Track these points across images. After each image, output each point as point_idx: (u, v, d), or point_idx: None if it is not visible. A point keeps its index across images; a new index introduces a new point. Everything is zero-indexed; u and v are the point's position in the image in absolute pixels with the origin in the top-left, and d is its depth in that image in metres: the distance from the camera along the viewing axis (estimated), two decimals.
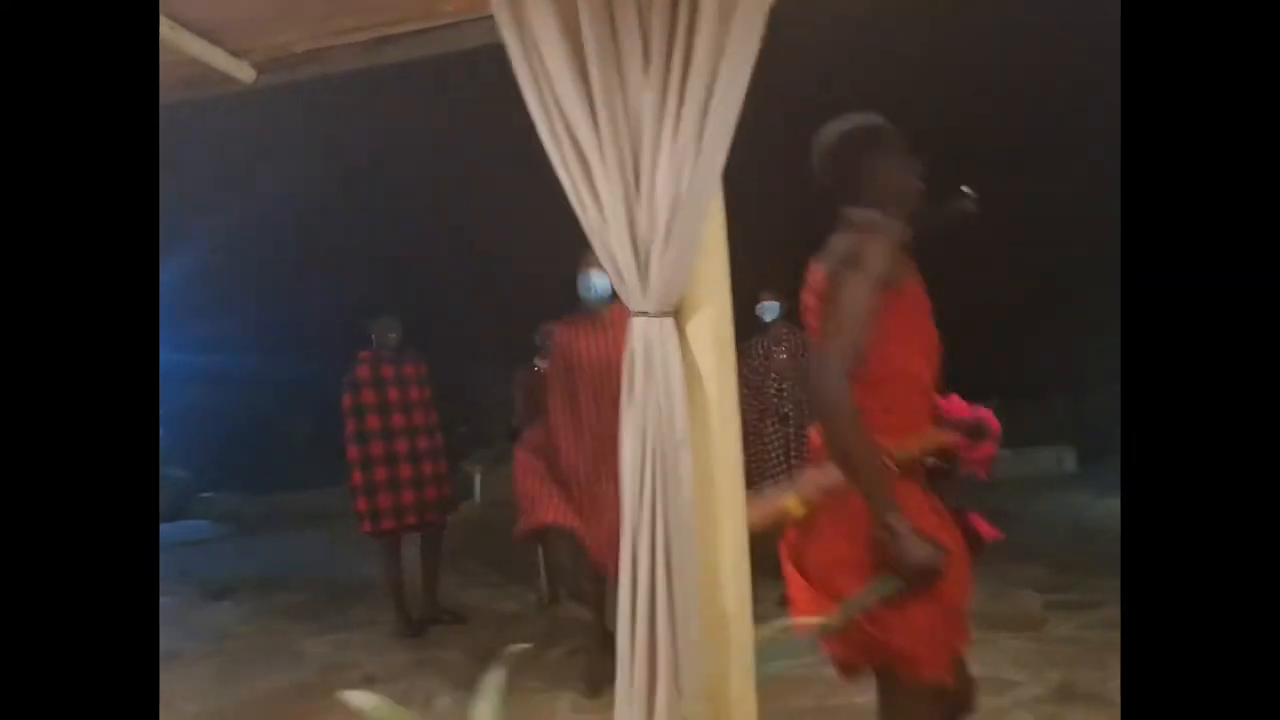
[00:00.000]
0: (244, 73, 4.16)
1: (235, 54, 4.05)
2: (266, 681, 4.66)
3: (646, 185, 1.81)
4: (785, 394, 5.42)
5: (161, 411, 11.06)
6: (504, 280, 10.20)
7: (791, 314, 5.50)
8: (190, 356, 10.40)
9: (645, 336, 1.81)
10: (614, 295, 3.75)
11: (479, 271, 10.27)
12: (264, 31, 3.90)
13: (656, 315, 1.81)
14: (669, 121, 1.79)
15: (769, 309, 5.53)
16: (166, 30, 3.73)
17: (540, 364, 5.73)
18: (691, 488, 1.77)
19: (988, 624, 4.58)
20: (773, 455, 5.42)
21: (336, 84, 4.14)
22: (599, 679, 3.86)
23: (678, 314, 1.85)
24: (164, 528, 9.42)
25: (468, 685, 4.25)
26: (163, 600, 6.61)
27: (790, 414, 5.39)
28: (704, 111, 1.77)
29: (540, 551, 5.68)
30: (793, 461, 5.33)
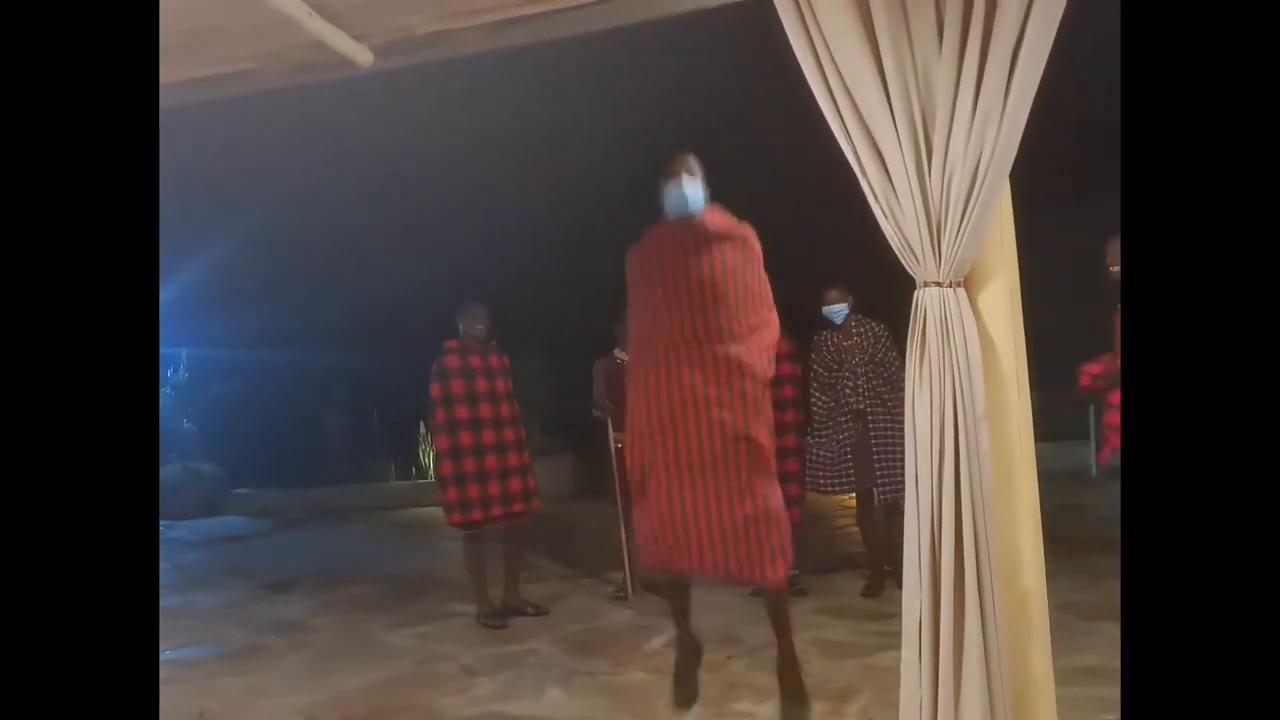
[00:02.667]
0: (362, 57, 4.09)
1: (357, 38, 3.99)
2: (362, 674, 4.58)
3: (939, 155, 1.77)
4: (861, 390, 5.36)
5: (192, 407, 10.92)
6: (535, 277, 10.14)
7: (858, 308, 5.48)
8: (221, 351, 10.27)
9: (939, 307, 1.77)
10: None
11: (514, 271, 10.20)
12: (390, 13, 3.83)
13: (950, 286, 1.77)
14: (966, 91, 1.75)
15: (837, 313, 5.43)
16: (302, 15, 3.64)
17: (621, 356, 5.70)
18: (992, 465, 1.73)
19: (1086, 614, 4.58)
20: (842, 451, 5.37)
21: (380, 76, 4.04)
22: (688, 694, 3.40)
23: (967, 284, 1.81)
24: (200, 524, 9.32)
25: (571, 678, 4.26)
26: (222, 594, 6.53)
27: (865, 410, 5.33)
28: (1008, 78, 1.73)
29: (624, 542, 5.63)
30: (875, 460, 5.29)
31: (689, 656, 3.37)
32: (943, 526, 1.72)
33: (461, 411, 5.11)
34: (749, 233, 3.21)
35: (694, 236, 3.08)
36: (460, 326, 5.29)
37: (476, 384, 5.18)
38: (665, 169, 3.18)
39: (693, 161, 3.18)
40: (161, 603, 6.29)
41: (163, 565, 7.46)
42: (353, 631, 5.37)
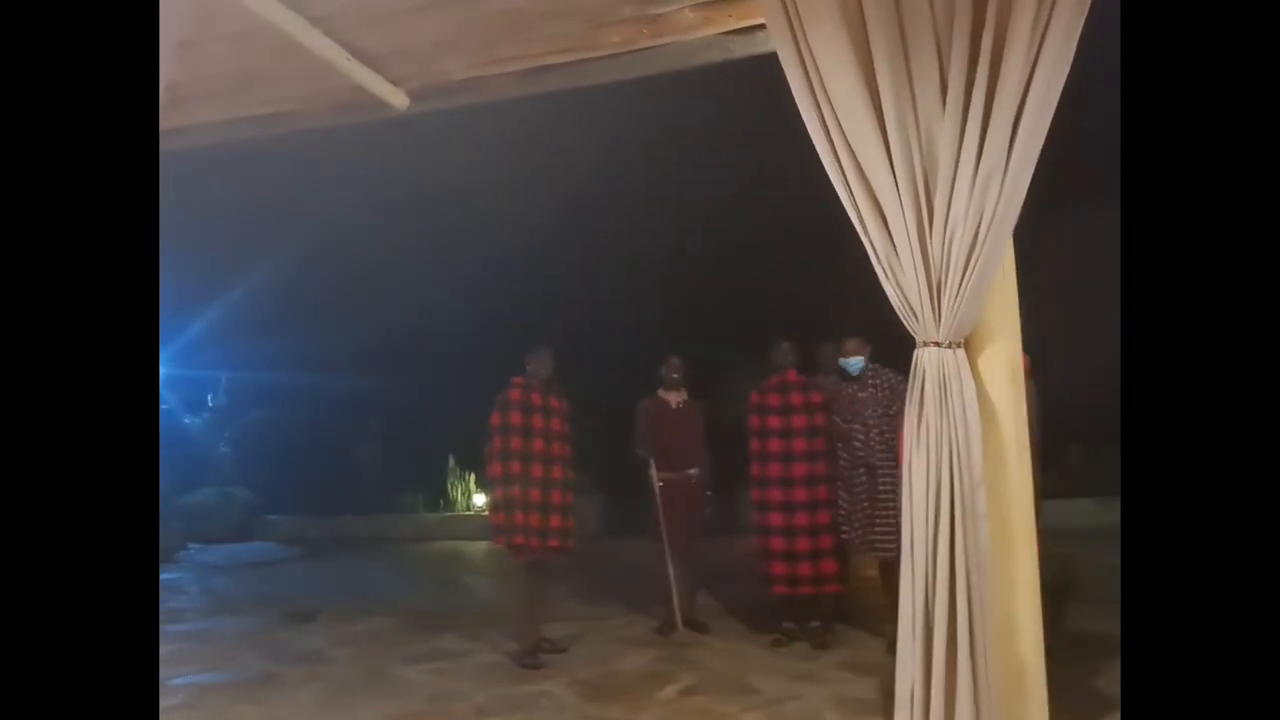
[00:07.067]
0: (398, 100, 4.22)
1: (394, 82, 4.12)
2: (375, 708, 4.57)
3: (940, 215, 1.77)
4: (873, 444, 5.28)
5: (229, 432, 11.12)
6: (566, 314, 10.23)
7: (875, 356, 5.42)
8: (260, 374, 10.47)
9: (938, 368, 1.75)
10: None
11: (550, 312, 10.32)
12: (426, 59, 3.96)
13: (950, 346, 1.76)
14: (969, 152, 1.75)
15: (854, 364, 5.39)
16: (340, 59, 3.77)
17: (664, 395, 5.86)
18: (988, 529, 1.70)
19: None
20: (860, 505, 5.30)
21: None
22: None
23: (968, 345, 1.80)
24: (232, 548, 9.46)
25: None
26: (244, 621, 6.59)
27: (878, 465, 5.25)
28: (1011, 139, 1.73)
29: (671, 577, 5.65)
30: (877, 513, 5.21)
31: None
32: (937, 591, 1.69)
33: (515, 442, 5.26)
34: None
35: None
36: (528, 366, 5.46)
37: (533, 420, 5.33)
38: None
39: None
40: (185, 627, 6.36)
41: (190, 589, 7.56)
42: (370, 664, 5.37)
